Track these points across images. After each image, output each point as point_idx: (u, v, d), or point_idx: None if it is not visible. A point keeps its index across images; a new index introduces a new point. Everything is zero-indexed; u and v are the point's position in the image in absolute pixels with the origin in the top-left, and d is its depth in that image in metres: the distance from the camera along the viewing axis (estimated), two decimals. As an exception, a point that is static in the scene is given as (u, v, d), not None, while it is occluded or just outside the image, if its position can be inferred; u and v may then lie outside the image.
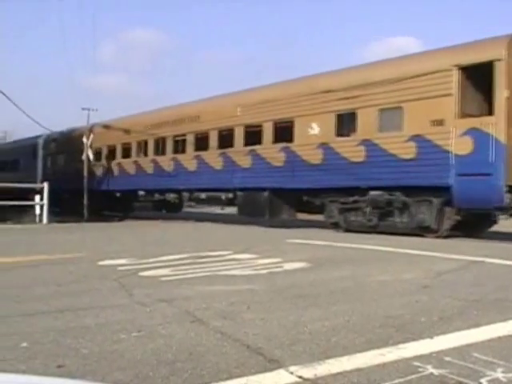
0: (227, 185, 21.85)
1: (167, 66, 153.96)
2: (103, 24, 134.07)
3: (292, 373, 3.64)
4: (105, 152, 30.42)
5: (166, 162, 25.28)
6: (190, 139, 24.10)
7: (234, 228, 20.27)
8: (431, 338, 4.48)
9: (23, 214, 23.72)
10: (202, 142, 23.47)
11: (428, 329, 4.75)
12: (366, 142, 16.83)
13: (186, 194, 25.29)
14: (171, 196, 26.15)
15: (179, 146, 25.02)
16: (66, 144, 33.83)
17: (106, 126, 30.43)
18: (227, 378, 3.54)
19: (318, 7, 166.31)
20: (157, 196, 27.00)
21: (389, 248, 11.56)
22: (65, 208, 30.82)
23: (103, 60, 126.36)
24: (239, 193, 21.56)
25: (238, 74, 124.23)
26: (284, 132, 19.71)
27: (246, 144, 21.27)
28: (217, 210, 32.75)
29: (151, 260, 9.45)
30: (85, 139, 29.91)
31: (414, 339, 4.43)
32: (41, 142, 36.86)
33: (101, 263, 9.22)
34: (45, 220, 22.42)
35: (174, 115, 25.37)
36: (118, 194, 29.67)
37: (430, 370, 3.69)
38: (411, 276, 7.92)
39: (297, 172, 19.03)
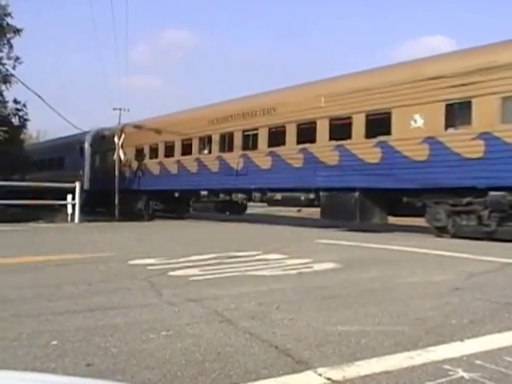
0: (308, 184, 19.38)
1: (200, 67, 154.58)
2: (136, 25, 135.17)
3: (320, 374, 3.62)
4: (161, 149, 27.65)
5: (234, 159, 22.63)
6: (263, 134, 21.55)
7: (263, 228, 20.23)
8: (462, 340, 4.42)
9: (55, 212, 23.98)
10: (277, 137, 20.98)
11: (459, 331, 4.70)
12: (485, 136, 14.63)
13: (256, 195, 22.34)
14: (239, 196, 23.40)
15: (250, 141, 22.36)
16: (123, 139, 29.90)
17: (159, 123, 28.20)
18: (255, 379, 3.54)
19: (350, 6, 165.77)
20: (222, 196, 24.15)
21: (419, 249, 11.46)
22: (114, 209, 28.67)
23: (136, 61, 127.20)
24: (323, 193, 19.08)
25: (273, 73, 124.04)
26: (379, 125, 17.32)
27: (332, 138, 18.75)
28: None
29: (180, 260, 9.48)
30: (116, 139, 28.74)
31: (444, 342, 4.38)
32: (88, 138, 34.27)
33: (131, 262, 9.27)
34: (76, 219, 22.64)
35: (243, 108, 22.71)
36: (176, 194, 26.81)
37: (461, 373, 3.64)
38: (442, 278, 7.84)
39: (395, 170, 16.70)
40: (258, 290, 6.75)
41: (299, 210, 24.54)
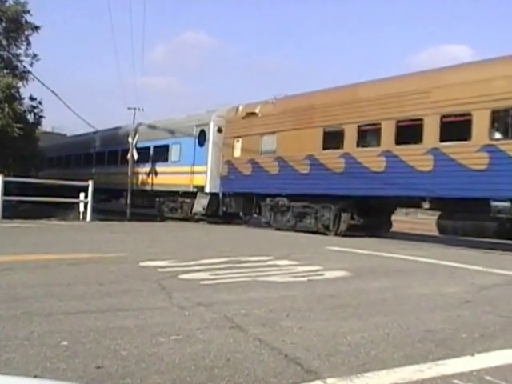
0: None
1: (216, 70, 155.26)
2: (155, 26, 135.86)
3: (329, 385, 3.62)
4: (387, 131, 17.42)
5: None
6: None
7: (276, 234, 20.10)
8: (472, 355, 4.41)
9: (67, 211, 24.05)
10: None
11: (469, 345, 4.68)
12: None
13: None
14: None
15: None
16: (288, 118, 21.18)
17: (382, 87, 18.25)
18: (264, 388, 3.55)
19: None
20: None
21: (430, 260, 11.44)
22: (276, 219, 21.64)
23: (153, 61, 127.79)
24: None
25: (291, 79, 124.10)
26: None
27: None
28: None
29: (191, 263, 9.48)
30: (130, 139, 27.47)
31: (454, 356, 4.37)
32: (215, 119, 24.94)
33: (142, 264, 9.28)
34: (88, 218, 22.72)
35: None
36: (426, 205, 16.86)
37: (470, 388, 3.63)
38: (452, 290, 7.82)
39: None
40: (269, 296, 6.75)
41: None
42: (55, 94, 27.19)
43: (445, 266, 10.66)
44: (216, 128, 24.64)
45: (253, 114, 22.81)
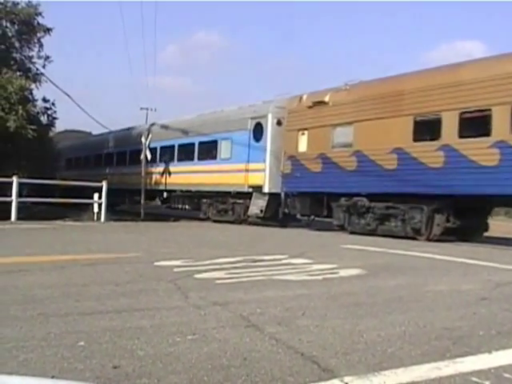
0: None
1: (229, 69, 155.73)
2: (166, 26, 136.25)
3: (347, 383, 3.61)
4: (500, 120, 14.56)
5: None
6: None
7: (290, 232, 20.08)
8: (489, 352, 4.38)
9: (81, 211, 24.15)
10: None
11: (486, 343, 4.65)
12: None
13: None
14: None
15: None
16: (367, 107, 18.38)
17: None
18: (281, 387, 3.54)
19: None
20: None
21: (445, 257, 11.39)
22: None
23: (165, 61, 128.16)
24: None
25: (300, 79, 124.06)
26: None
27: None
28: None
29: (206, 262, 9.48)
30: (143, 139, 27.61)
31: (471, 353, 4.34)
32: (274, 110, 22.14)
33: (157, 264, 9.29)
34: (102, 218, 22.79)
35: None
36: None
37: (489, 386, 3.61)
38: (469, 287, 7.77)
39: None
40: (284, 294, 6.74)
41: None
42: (68, 95, 27.44)
43: (461, 262, 10.61)
44: (275, 120, 21.95)
45: (321, 102, 19.92)
